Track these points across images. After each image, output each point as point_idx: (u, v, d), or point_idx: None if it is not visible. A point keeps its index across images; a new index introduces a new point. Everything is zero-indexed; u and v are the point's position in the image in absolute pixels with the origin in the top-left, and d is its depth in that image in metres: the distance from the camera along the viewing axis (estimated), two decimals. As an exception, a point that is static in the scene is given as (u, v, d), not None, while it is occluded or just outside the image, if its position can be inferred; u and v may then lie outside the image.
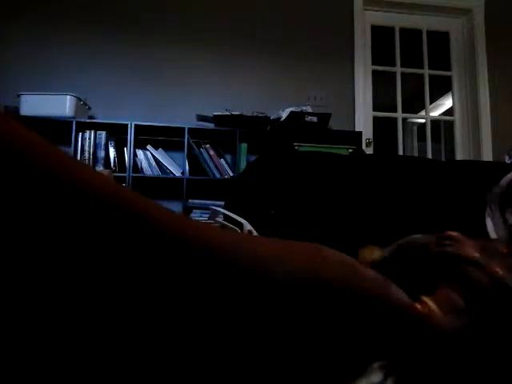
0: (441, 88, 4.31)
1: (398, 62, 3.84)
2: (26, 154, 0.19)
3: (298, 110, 3.17)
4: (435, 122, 4.13)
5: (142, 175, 3.05)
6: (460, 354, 0.27)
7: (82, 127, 2.99)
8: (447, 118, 4.22)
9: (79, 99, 2.98)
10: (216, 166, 3.12)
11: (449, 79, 3.93)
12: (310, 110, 3.24)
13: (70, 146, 2.93)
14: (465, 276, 0.30)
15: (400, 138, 3.78)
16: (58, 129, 2.98)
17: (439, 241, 0.33)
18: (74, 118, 2.93)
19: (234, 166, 3.17)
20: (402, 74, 3.86)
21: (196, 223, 0.23)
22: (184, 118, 3.18)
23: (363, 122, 3.59)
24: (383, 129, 3.77)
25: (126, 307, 0.21)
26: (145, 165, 3.10)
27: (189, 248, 0.22)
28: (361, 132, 3.35)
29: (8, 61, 3.17)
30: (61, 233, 0.20)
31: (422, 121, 4.19)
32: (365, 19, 3.73)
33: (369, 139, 3.57)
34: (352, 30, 3.65)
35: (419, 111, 4.37)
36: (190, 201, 3.05)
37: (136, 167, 3.06)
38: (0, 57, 3.16)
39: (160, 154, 3.16)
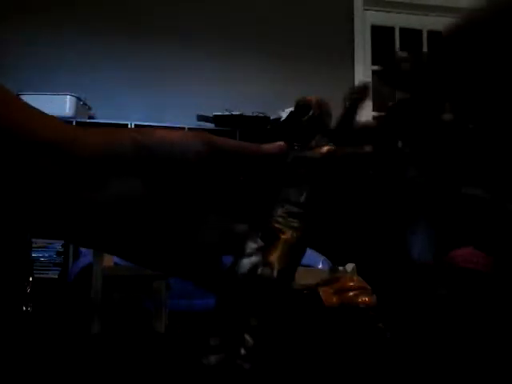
0: (441, 88, 4.30)
1: (398, 62, 3.83)
2: None
3: (298, 109, 3.17)
4: (435, 122, 4.12)
5: (141, 175, 3.05)
6: None
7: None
8: (447, 118, 4.22)
9: (79, 99, 2.98)
10: (216, 166, 3.12)
11: (449, 79, 3.93)
12: (310, 109, 3.23)
13: (70, 145, 2.92)
14: None
15: (400, 138, 3.78)
16: (58, 129, 2.98)
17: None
18: (73, 118, 2.92)
19: (233, 165, 3.17)
20: (402, 74, 3.86)
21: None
22: (184, 117, 3.18)
23: (363, 121, 3.59)
24: (383, 129, 3.76)
25: None
26: (145, 165, 3.09)
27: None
28: (361, 132, 3.34)
29: (8, 61, 3.16)
30: None
31: (422, 121, 4.18)
32: (365, 19, 3.72)
33: (369, 139, 3.56)
34: (352, 30, 3.65)
35: (419, 111, 4.37)
36: (189, 201, 3.05)
37: (136, 167, 3.05)
38: (0, 57, 3.16)
39: (160, 154, 3.15)
